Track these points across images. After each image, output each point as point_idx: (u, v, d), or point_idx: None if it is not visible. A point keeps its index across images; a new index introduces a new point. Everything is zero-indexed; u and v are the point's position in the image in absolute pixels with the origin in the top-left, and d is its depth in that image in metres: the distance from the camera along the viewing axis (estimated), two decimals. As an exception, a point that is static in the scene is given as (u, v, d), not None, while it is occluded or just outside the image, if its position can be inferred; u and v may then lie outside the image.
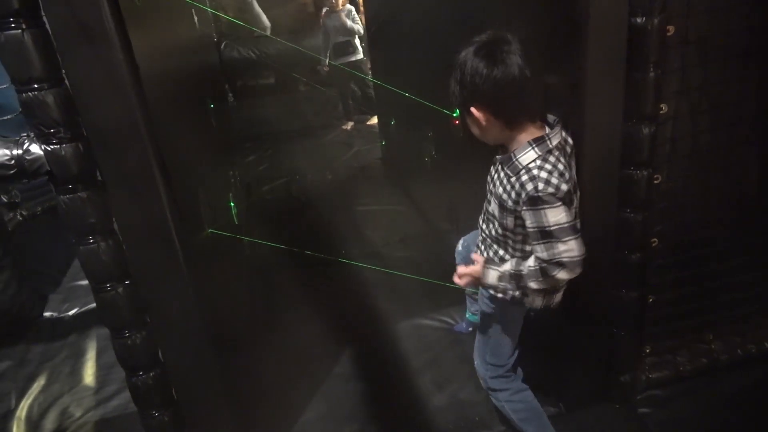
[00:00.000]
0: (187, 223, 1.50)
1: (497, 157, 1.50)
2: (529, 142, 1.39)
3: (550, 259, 1.39)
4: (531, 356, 2.16)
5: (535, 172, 1.36)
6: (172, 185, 1.37)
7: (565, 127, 1.49)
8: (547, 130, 1.42)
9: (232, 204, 2.82)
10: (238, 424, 1.71)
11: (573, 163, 1.49)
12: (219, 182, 2.70)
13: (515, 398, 1.76)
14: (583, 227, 1.64)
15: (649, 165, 1.61)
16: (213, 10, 4.11)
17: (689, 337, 1.99)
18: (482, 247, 1.68)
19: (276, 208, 4.16)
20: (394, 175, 4.26)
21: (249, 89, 6.27)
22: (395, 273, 2.75)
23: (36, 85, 1.16)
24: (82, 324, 2.86)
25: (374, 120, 5.89)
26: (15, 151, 1.21)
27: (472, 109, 1.40)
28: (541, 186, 1.34)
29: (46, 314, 2.99)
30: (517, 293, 1.52)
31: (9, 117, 1.28)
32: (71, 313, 2.98)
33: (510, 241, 1.54)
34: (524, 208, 1.38)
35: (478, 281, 1.57)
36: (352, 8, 5.47)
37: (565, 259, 1.38)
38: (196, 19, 3.02)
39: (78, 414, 2.25)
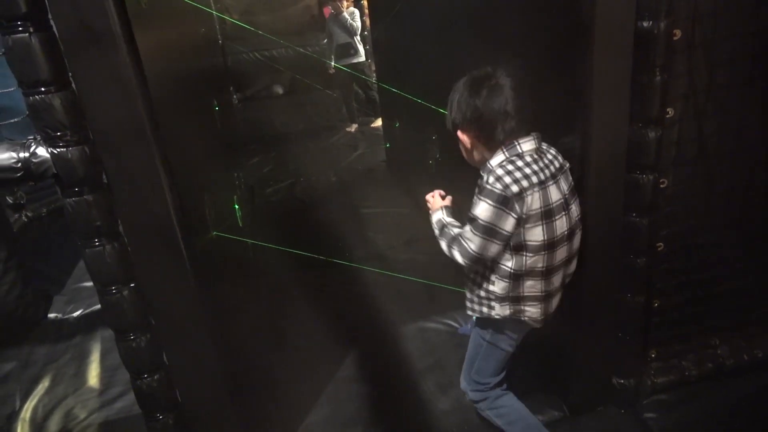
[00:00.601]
0: (192, 225, 1.50)
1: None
2: (501, 148, 1.50)
3: (461, 236, 1.54)
4: (535, 360, 2.16)
5: (497, 170, 1.46)
6: (177, 188, 1.37)
7: (554, 145, 1.58)
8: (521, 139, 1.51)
9: (236, 206, 2.82)
10: (242, 427, 1.71)
11: (562, 184, 1.52)
12: (224, 185, 2.71)
13: (497, 404, 1.81)
14: (588, 231, 1.64)
15: (655, 169, 1.61)
16: (219, 13, 4.12)
17: (695, 341, 1.98)
18: None
19: (280, 210, 4.17)
20: (399, 178, 4.26)
21: (253, 91, 6.30)
22: (399, 276, 2.75)
23: (43, 89, 1.16)
24: (86, 325, 2.87)
25: (378, 122, 5.90)
26: (22, 154, 1.22)
27: (458, 133, 1.59)
28: (491, 180, 1.45)
29: (51, 315, 3.00)
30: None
31: (16, 120, 1.28)
32: (76, 314, 2.99)
33: None
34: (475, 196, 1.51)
35: (431, 213, 1.78)
36: (356, 10, 5.49)
37: (464, 244, 1.52)
38: (201, 22, 3.03)
39: (82, 416, 2.26)
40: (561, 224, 1.51)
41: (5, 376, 2.57)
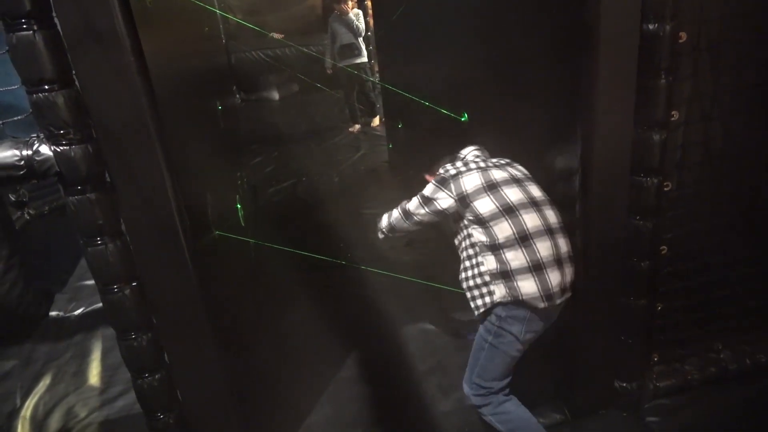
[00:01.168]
0: (195, 225, 1.50)
1: None
2: None
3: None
4: (538, 363, 2.15)
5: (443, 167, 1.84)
6: (180, 187, 1.37)
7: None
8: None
9: (239, 206, 2.82)
10: (242, 427, 1.70)
11: (509, 169, 1.79)
12: (226, 184, 2.71)
13: (500, 410, 1.79)
14: (592, 234, 1.64)
15: (660, 172, 1.60)
16: (223, 12, 4.12)
17: (698, 346, 1.98)
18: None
19: (282, 210, 4.16)
20: (401, 179, 4.25)
21: (256, 91, 6.30)
22: (402, 277, 2.74)
23: (46, 86, 1.16)
24: (88, 324, 2.86)
25: (376, 121, 5.89)
26: (25, 152, 1.21)
27: (426, 176, 2.02)
28: (441, 171, 1.83)
29: (53, 313, 3.00)
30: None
31: (19, 118, 1.28)
32: (77, 312, 2.99)
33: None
34: None
35: None
36: (360, 12, 5.49)
37: (401, 206, 1.95)
38: (205, 21, 3.03)
39: (83, 414, 2.25)
40: (512, 193, 1.71)
41: (6, 373, 2.57)
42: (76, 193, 1.25)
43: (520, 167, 1.84)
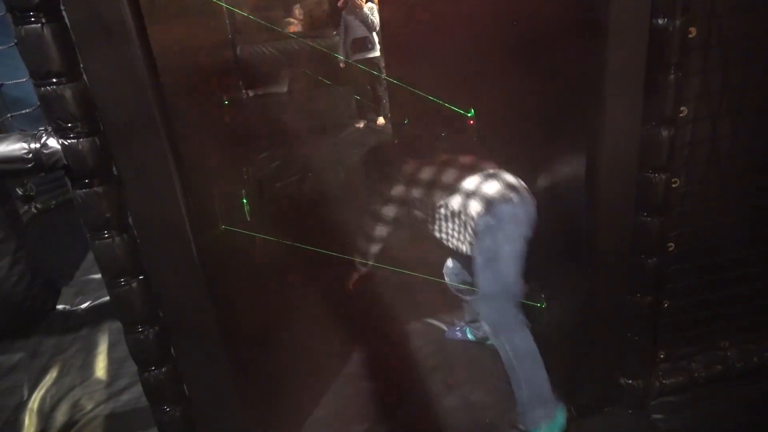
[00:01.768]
0: (201, 219, 1.50)
1: None
2: None
3: None
4: (543, 359, 2.15)
5: None
6: (187, 181, 1.37)
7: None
8: None
9: (244, 201, 2.82)
10: (248, 421, 1.71)
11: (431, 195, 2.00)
12: (232, 179, 2.71)
13: (514, 335, 1.84)
14: (599, 230, 1.64)
15: (668, 169, 1.59)
16: (229, 6, 4.12)
17: (704, 343, 1.96)
18: None
19: (288, 205, 4.17)
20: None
21: (262, 86, 6.29)
22: (407, 273, 2.74)
23: (54, 80, 1.16)
24: (94, 317, 2.88)
25: (381, 120, 5.88)
26: (33, 145, 1.21)
27: None
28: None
29: (59, 307, 3.02)
30: None
31: (27, 111, 1.28)
32: (84, 306, 3.00)
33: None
34: None
35: None
36: (374, 5, 5.47)
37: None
38: (211, 15, 3.03)
39: (89, 407, 2.26)
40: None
41: (14, 366, 2.58)
42: (84, 187, 1.25)
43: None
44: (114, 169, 1.28)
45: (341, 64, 5.84)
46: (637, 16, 1.41)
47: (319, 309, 2.76)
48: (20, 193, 3.87)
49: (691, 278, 1.82)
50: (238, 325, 1.78)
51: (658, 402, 1.94)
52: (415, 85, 3.06)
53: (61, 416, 2.24)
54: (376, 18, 5.42)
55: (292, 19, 6.66)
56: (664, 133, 1.54)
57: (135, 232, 1.35)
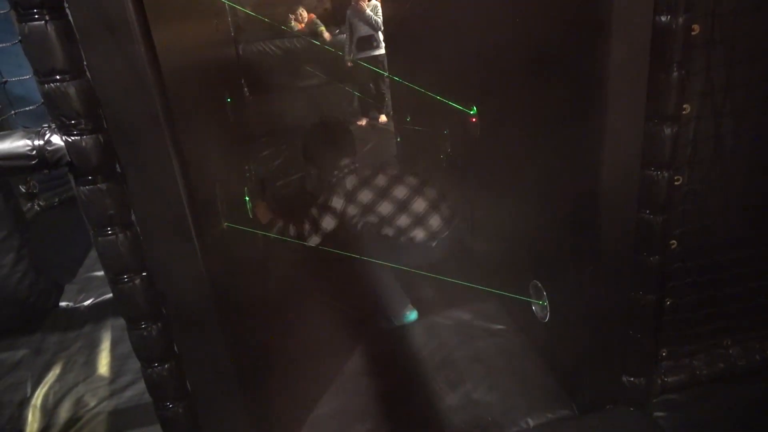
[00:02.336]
0: (204, 216, 1.50)
1: None
2: None
3: None
4: (545, 357, 2.16)
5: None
6: (190, 178, 1.37)
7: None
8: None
9: (247, 198, 2.83)
10: (251, 418, 1.72)
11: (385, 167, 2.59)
12: (235, 176, 2.71)
13: None
14: (601, 227, 1.64)
15: (671, 166, 1.59)
16: (231, 3, 4.12)
17: (706, 341, 1.96)
18: None
19: (290, 203, 4.17)
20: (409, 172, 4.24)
21: (265, 84, 6.30)
22: (409, 270, 2.74)
23: (58, 77, 1.16)
24: (97, 314, 2.89)
25: (383, 118, 5.89)
26: (36, 142, 1.22)
27: None
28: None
29: (62, 304, 3.02)
30: None
31: (30, 108, 1.29)
32: (87, 303, 3.01)
33: None
34: None
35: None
36: (377, 4, 5.47)
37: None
38: (214, 13, 3.03)
39: (92, 404, 2.27)
40: (399, 191, 2.52)
41: (17, 363, 2.59)
42: (87, 183, 1.26)
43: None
44: (117, 166, 1.29)
45: (348, 63, 5.84)
46: (639, 13, 1.41)
47: (320, 306, 2.77)
48: (23, 190, 3.87)
49: (693, 276, 1.82)
50: (241, 322, 1.78)
51: (660, 400, 1.94)
52: (418, 82, 3.06)
53: (64, 413, 2.25)
54: (380, 17, 5.42)
55: (299, 16, 6.66)
56: (667, 130, 1.54)
57: (138, 229, 1.35)
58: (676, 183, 1.63)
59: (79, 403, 2.29)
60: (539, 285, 2.08)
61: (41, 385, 2.41)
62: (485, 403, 2.04)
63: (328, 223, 2.34)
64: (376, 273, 2.45)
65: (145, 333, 1.43)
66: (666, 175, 1.59)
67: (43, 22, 1.12)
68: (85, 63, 1.20)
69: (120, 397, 2.29)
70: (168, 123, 1.29)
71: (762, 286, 1.91)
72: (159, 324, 1.44)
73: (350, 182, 2.38)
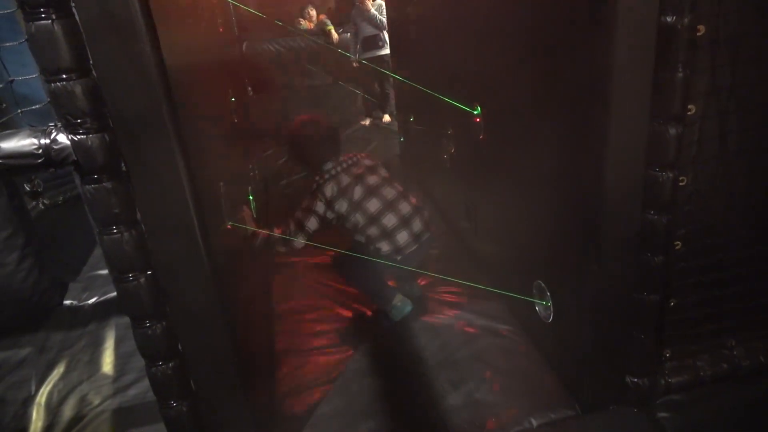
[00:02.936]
0: (209, 215, 1.51)
1: None
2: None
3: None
4: (548, 357, 2.15)
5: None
6: (195, 177, 1.38)
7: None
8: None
9: (251, 197, 2.83)
10: (254, 417, 1.72)
11: (365, 176, 2.51)
12: (239, 176, 2.72)
13: None
14: (606, 227, 1.64)
15: (675, 166, 1.59)
16: (235, 2, 4.13)
17: (710, 341, 1.96)
18: None
19: (293, 202, 4.17)
20: (412, 172, 4.25)
21: (269, 84, 6.31)
22: (413, 270, 2.74)
23: (64, 76, 1.17)
24: (101, 313, 2.89)
25: (387, 118, 5.89)
26: (42, 141, 1.22)
27: None
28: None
29: (66, 302, 3.03)
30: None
31: (37, 107, 1.29)
32: (91, 301, 3.02)
33: None
34: None
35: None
36: (382, 3, 5.47)
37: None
38: (218, 13, 3.04)
39: (96, 402, 2.28)
40: (372, 204, 2.44)
41: (21, 361, 2.60)
42: (93, 182, 1.26)
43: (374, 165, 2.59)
44: (123, 165, 1.29)
45: (354, 64, 5.84)
46: (644, 13, 1.40)
47: (323, 305, 2.77)
48: (28, 189, 3.88)
49: (697, 276, 1.82)
50: (244, 321, 1.78)
51: (663, 400, 1.94)
52: (422, 82, 3.06)
53: (68, 411, 2.25)
54: (384, 17, 5.43)
55: (307, 14, 6.65)
56: (672, 131, 1.54)
57: (143, 227, 1.36)
58: (680, 183, 1.63)
59: (83, 401, 2.30)
60: (543, 285, 2.08)
61: (45, 384, 2.42)
62: (488, 403, 2.04)
63: (312, 223, 2.37)
64: (359, 271, 2.50)
65: (149, 331, 1.44)
66: (670, 175, 1.59)
67: (49, 21, 1.13)
68: (91, 62, 1.20)
69: (124, 395, 2.30)
70: (173, 122, 1.30)
71: (766, 286, 1.91)
72: (163, 323, 1.45)
73: (330, 190, 2.40)
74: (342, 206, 2.40)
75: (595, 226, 1.68)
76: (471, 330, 2.45)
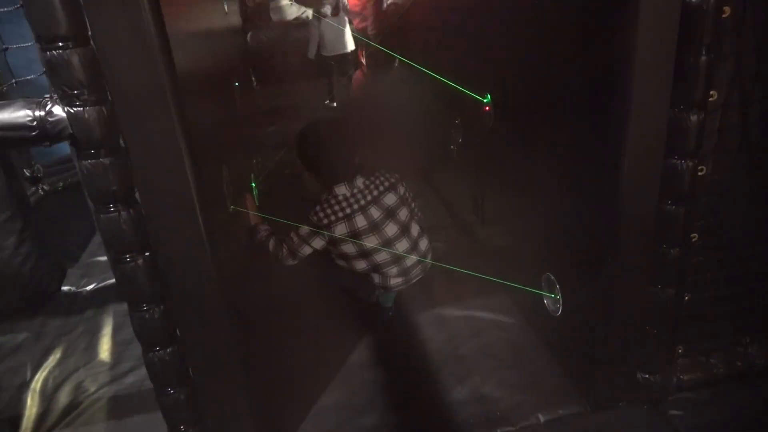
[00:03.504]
0: (210, 197, 1.45)
1: None
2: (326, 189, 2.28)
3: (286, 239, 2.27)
4: (558, 351, 2.10)
5: (317, 205, 2.25)
6: (196, 156, 1.32)
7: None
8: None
9: (253, 185, 2.78)
10: (254, 406, 1.67)
11: (382, 202, 2.27)
12: (242, 162, 2.67)
13: None
14: (621, 217, 1.58)
15: (695, 155, 1.53)
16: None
17: (724, 339, 1.91)
18: None
19: (297, 192, 4.12)
20: (419, 163, 4.19)
21: (273, 74, 6.25)
22: (419, 260, 2.69)
23: (61, 44, 1.11)
24: (99, 299, 2.85)
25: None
26: (38, 113, 1.17)
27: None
28: (314, 209, 2.23)
29: (65, 288, 2.99)
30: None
31: (32, 77, 1.24)
32: (89, 288, 2.98)
33: None
34: None
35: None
36: None
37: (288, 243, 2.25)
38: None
39: (92, 389, 2.23)
40: (370, 241, 2.24)
41: (17, 346, 2.56)
42: (90, 157, 1.21)
43: (391, 185, 2.32)
44: (121, 140, 1.24)
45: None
46: (670, -7, 1.34)
47: (326, 296, 2.72)
48: (27, 174, 3.83)
49: (714, 271, 1.76)
50: (245, 308, 1.73)
51: (675, 398, 1.88)
52: (429, 68, 3.00)
53: (64, 397, 2.21)
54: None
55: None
56: (693, 118, 1.47)
57: (142, 206, 1.30)
58: (699, 173, 1.57)
59: (79, 388, 2.25)
60: (552, 278, 2.03)
61: (41, 370, 2.38)
62: (494, 398, 1.99)
63: (306, 251, 2.23)
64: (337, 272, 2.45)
65: (147, 315, 1.39)
66: (690, 164, 1.53)
67: (46, -15, 1.07)
68: (89, 31, 1.14)
69: (120, 383, 2.25)
70: (174, 97, 1.24)
71: (783, 283, 1.86)
72: (161, 306, 1.40)
73: (339, 231, 2.18)
74: (350, 249, 2.27)
75: (610, 217, 1.62)
76: (477, 323, 2.40)
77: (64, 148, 1.29)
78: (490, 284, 2.45)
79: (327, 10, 5.46)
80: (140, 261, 1.32)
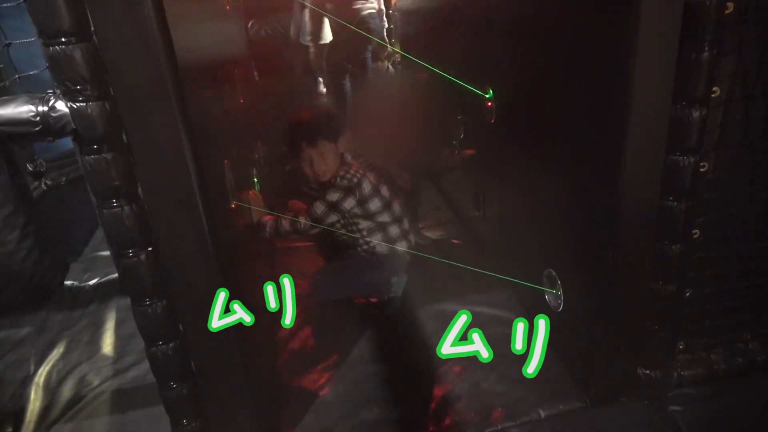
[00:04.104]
0: (212, 192, 1.46)
1: None
2: None
3: None
4: (558, 347, 2.10)
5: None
6: (199, 152, 1.33)
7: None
8: None
9: (255, 180, 2.79)
10: (256, 400, 1.68)
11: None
12: (244, 157, 2.67)
13: None
14: (622, 213, 1.58)
15: (697, 151, 1.53)
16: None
17: (725, 335, 1.91)
18: None
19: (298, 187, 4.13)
20: (420, 159, 4.19)
21: (275, 68, 6.23)
22: (420, 254, 2.70)
23: (63, 39, 1.11)
24: (102, 294, 2.86)
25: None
26: (40, 108, 1.17)
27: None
28: None
29: (67, 283, 3.00)
30: None
31: (34, 72, 1.24)
32: (92, 282, 2.99)
33: None
34: None
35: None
36: None
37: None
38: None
39: (96, 383, 2.25)
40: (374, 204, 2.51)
41: (21, 340, 2.57)
42: (92, 153, 1.21)
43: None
44: (124, 135, 1.24)
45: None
46: (672, -13, 1.34)
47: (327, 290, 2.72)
48: (30, 169, 3.84)
49: (715, 267, 1.76)
50: (246, 302, 1.74)
51: (675, 394, 1.89)
52: (432, 65, 2.99)
53: (67, 391, 2.22)
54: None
55: None
56: (695, 113, 1.47)
57: (144, 202, 1.31)
58: (701, 169, 1.57)
59: (82, 382, 2.26)
60: (553, 273, 2.03)
61: (44, 364, 2.39)
62: (495, 393, 2.00)
63: (330, 218, 2.44)
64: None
65: (149, 310, 1.39)
66: (692, 160, 1.53)
67: (48, -19, 1.07)
68: (92, 27, 1.15)
69: (123, 377, 2.26)
70: (177, 92, 1.24)
71: (785, 279, 1.86)
72: (164, 301, 1.40)
73: (366, 190, 2.49)
74: (350, 203, 2.46)
75: (610, 212, 1.63)
76: (478, 319, 2.40)
77: (67, 142, 1.30)
78: (491, 280, 2.46)
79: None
80: (143, 256, 1.33)
